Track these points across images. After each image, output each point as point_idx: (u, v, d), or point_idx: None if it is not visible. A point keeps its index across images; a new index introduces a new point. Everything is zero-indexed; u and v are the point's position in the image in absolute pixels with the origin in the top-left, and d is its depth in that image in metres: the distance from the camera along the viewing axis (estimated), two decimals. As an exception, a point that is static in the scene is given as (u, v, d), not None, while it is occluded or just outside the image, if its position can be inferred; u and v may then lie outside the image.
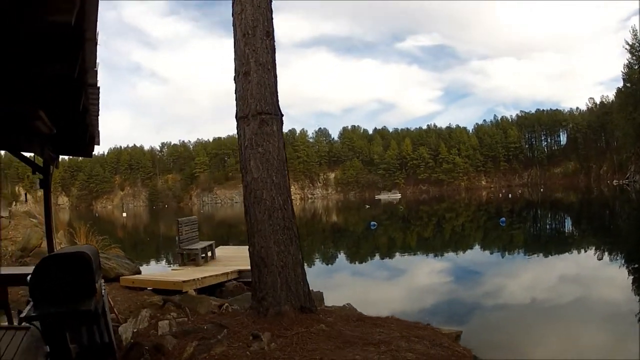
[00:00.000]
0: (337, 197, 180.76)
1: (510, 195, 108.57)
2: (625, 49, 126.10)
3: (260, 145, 9.67)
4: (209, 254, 19.83)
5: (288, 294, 9.32)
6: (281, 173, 9.83)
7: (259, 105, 9.58)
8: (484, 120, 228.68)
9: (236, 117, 10.06)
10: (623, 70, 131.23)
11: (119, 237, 32.66)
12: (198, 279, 13.93)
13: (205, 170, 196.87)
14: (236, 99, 10.08)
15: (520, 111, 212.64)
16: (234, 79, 9.97)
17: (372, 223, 49.72)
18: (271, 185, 9.62)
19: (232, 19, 10.06)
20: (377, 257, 30.20)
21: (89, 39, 3.92)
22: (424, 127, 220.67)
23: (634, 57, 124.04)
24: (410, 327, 9.10)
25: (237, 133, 10.09)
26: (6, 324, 11.05)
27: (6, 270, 11.17)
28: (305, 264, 10.15)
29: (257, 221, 9.57)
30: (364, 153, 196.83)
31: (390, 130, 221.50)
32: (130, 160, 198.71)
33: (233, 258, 19.95)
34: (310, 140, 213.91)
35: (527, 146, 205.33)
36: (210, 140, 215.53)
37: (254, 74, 9.61)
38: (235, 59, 10.11)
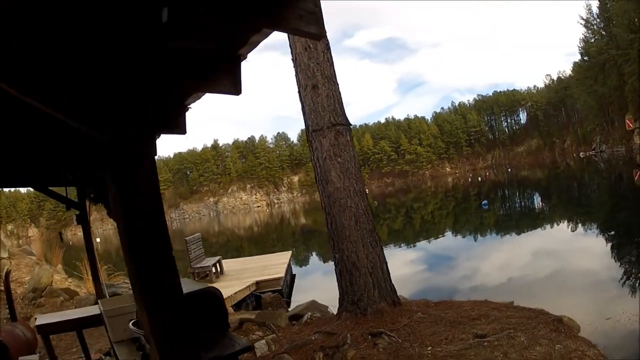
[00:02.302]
0: (303, 199, 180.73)
1: (480, 179, 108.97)
2: (580, 23, 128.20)
3: (339, 155, 10.28)
4: (218, 269, 20.00)
5: (380, 292, 9.96)
6: (360, 180, 10.51)
7: (332, 117, 10.20)
8: (442, 107, 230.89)
9: (307, 130, 10.56)
10: (579, 45, 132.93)
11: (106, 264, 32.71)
12: (231, 295, 14.08)
13: (170, 187, 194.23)
14: (305, 112, 10.54)
15: (478, 95, 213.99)
16: (299, 93, 10.48)
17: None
18: (354, 192, 10.21)
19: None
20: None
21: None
22: (382, 120, 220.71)
23: (589, 31, 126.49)
24: (486, 304, 9.99)
25: (311, 146, 10.57)
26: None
27: (47, 319, 10.99)
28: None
29: (345, 228, 10.12)
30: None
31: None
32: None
33: (241, 271, 20.52)
34: (271, 145, 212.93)
35: (487, 129, 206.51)
36: (172, 156, 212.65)
37: (322, 87, 10.13)
38: (298, 73, 10.52)
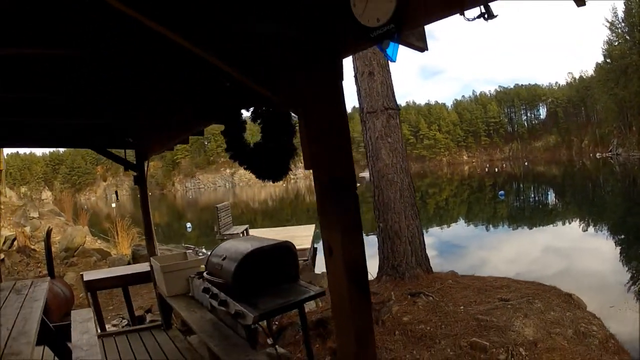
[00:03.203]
0: None
1: (497, 170, 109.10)
2: (605, 25, 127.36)
3: (389, 136, 11.46)
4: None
5: (417, 259, 11.14)
6: (405, 159, 11.68)
7: (385, 102, 11.41)
8: (462, 96, 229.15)
9: (362, 111, 11.77)
10: (603, 47, 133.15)
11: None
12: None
13: (187, 156, 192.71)
14: (361, 96, 11.71)
15: (499, 86, 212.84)
16: (356, 78, 11.68)
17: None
18: (400, 169, 11.38)
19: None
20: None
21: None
22: (403, 104, 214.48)
23: (613, 34, 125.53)
24: (506, 279, 11.19)
25: (364, 125, 11.77)
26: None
27: (95, 275, 11.63)
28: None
29: (390, 200, 11.28)
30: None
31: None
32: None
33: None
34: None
35: (507, 121, 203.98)
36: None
37: (377, 74, 11.35)
38: (355, 59, 11.66)
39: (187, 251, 11.76)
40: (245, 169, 4.17)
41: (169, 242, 28.59)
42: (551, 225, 29.50)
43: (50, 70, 5.36)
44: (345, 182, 3.17)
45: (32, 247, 20.66)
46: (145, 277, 11.17)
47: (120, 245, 23.78)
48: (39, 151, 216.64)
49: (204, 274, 6.99)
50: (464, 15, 2.50)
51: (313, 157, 3.31)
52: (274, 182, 4.25)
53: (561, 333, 7.74)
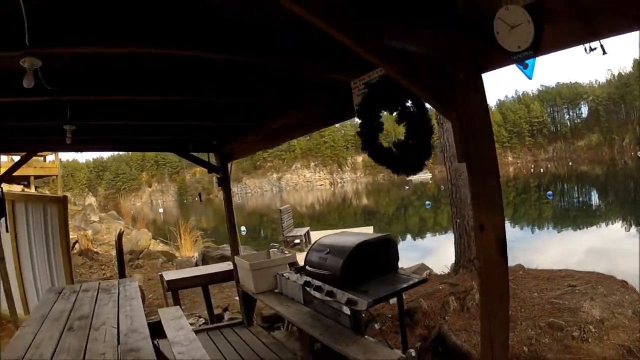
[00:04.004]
0: (366, 179, 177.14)
1: (542, 170, 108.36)
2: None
3: None
4: (305, 239, 20.90)
5: None
6: None
7: None
8: (505, 96, 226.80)
9: (438, 113, 11.73)
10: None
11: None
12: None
13: (232, 162, 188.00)
14: None
15: (541, 85, 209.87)
16: None
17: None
18: None
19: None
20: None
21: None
22: None
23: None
24: (567, 270, 11.66)
25: (441, 127, 12.39)
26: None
27: (176, 275, 12.11)
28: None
29: (466, 197, 11.89)
30: (391, 134, 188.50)
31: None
32: (156, 157, 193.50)
33: None
34: (337, 125, 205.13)
35: (550, 120, 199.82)
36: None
37: None
38: None
39: (272, 250, 12.18)
40: (380, 164, 4.53)
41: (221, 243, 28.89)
42: (594, 226, 29.54)
43: (148, 71, 5.75)
44: (492, 171, 3.67)
45: (94, 250, 21.07)
46: (225, 277, 11.66)
47: (184, 248, 24.38)
48: (82, 158, 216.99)
49: (306, 267, 7.51)
50: (584, 47, 3.09)
51: (466, 151, 3.75)
52: (408, 175, 4.61)
53: (622, 313, 8.68)
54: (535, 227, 31.39)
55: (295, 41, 4.69)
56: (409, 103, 4.34)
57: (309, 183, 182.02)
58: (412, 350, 6.47)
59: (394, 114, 4.45)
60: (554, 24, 3.11)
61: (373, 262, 6.88)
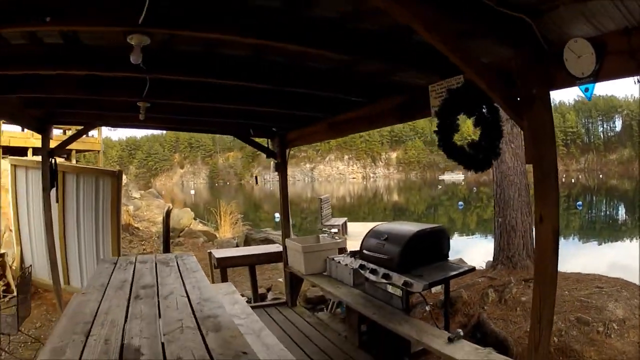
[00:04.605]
0: (399, 176, 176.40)
1: (573, 181, 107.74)
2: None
3: (512, 142, 12.59)
4: (342, 229, 21.15)
5: (527, 252, 12.20)
6: (524, 163, 12.35)
7: None
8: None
9: None
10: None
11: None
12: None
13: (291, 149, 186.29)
14: None
15: (577, 95, 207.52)
16: None
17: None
18: (520, 172, 12.43)
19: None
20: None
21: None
22: None
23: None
24: (592, 274, 12.13)
25: None
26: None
27: (226, 253, 12.60)
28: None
29: (510, 198, 12.45)
30: (426, 133, 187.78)
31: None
32: (190, 139, 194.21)
33: (362, 233, 20.82)
34: None
35: (584, 131, 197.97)
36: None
37: None
38: None
39: (322, 235, 12.54)
40: (453, 160, 4.96)
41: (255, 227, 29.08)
42: (619, 241, 29.48)
43: (227, 57, 6.14)
44: (553, 172, 4.24)
45: (135, 225, 21.34)
46: (273, 258, 12.06)
47: (223, 229, 24.79)
48: (115, 135, 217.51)
49: (363, 251, 8.17)
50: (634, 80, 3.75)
51: (534, 155, 4.31)
52: (476, 172, 5.07)
53: (643, 314, 9.25)
54: (561, 236, 31.18)
55: (386, 46, 5.17)
56: (484, 110, 4.79)
57: (341, 175, 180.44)
58: (459, 330, 6.80)
59: (472, 118, 4.90)
60: (611, 58, 3.76)
61: (427, 250, 7.59)
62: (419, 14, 3.61)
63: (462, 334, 6.41)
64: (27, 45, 5.60)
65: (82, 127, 11.02)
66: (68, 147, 21.25)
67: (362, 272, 8.05)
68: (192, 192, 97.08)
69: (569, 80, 4.03)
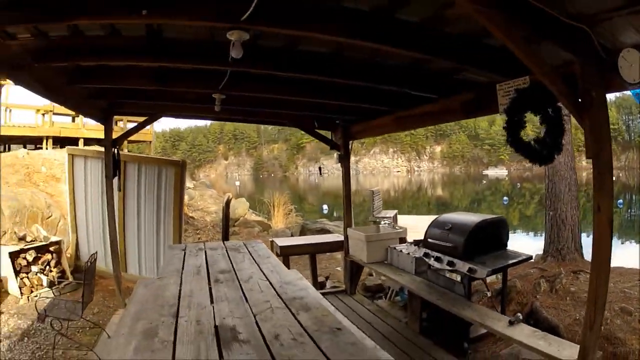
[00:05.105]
0: (443, 170, 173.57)
1: (614, 178, 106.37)
2: None
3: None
4: (394, 221, 21.27)
5: (575, 245, 12.43)
6: (573, 159, 12.87)
7: None
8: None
9: None
10: None
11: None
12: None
13: (312, 141, 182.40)
14: None
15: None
16: None
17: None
18: (569, 167, 12.60)
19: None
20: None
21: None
22: None
23: None
24: (635, 268, 12.09)
25: None
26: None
27: (288, 242, 12.73)
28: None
29: (560, 192, 12.61)
30: (470, 128, 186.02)
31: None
32: (235, 131, 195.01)
33: (412, 226, 20.58)
34: None
35: (624, 128, 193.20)
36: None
37: None
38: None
39: (382, 224, 12.79)
40: (520, 154, 5.31)
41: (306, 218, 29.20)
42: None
43: (305, 53, 6.41)
44: (609, 167, 4.68)
45: (190, 214, 21.52)
46: (333, 247, 12.28)
47: (276, 219, 25.06)
48: (158, 127, 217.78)
49: (427, 240, 8.45)
50: None
51: (594, 151, 4.63)
52: (540, 165, 5.51)
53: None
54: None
55: (458, 47, 5.53)
56: (549, 109, 5.14)
57: (386, 169, 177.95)
58: (519, 314, 7.20)
59: (538, 116, 5.25)
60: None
61: (488, 239, 7.95)
62: (496, 21, 3.94)
63: (521, 317, 6.79)
64: (104, 37, 5.82)
65: (146, 118, 11.19)
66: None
67: (426, 259, 8.41)
68: (237, 183, 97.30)
69: (623, 85, 4.43)
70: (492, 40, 5.31)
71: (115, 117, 11.98)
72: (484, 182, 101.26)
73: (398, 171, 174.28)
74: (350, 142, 11.61)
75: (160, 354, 3.79)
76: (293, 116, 10.81)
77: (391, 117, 9.29)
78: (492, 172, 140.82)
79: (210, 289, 5.74)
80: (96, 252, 9.25)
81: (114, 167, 10.36)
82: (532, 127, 6.68)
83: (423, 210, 50.64)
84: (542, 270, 11.63)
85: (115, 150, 10.40)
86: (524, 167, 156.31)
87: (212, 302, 5.20)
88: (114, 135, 10.54)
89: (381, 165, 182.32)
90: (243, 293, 5.52)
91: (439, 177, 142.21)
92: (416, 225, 21.31)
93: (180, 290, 5.69)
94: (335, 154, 11.77)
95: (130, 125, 23.12)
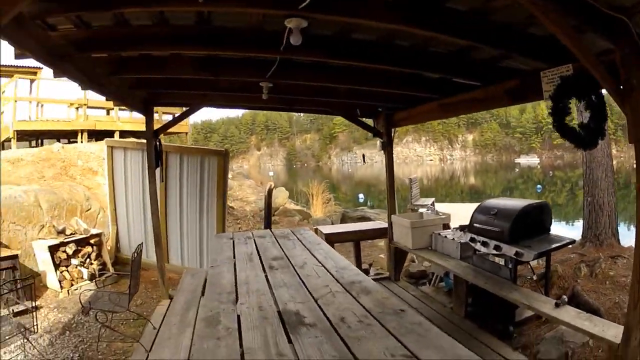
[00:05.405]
0: (475, 159, 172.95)
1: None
2: None
3: None
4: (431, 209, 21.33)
5: (612, 231, 12.43)
6: (609, 146, 12.92)
7: None
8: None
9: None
10: None
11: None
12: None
13: (345, 130, 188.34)
14: None
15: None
16: None
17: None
18: (605, 154, 12.64)
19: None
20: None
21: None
22: None
23: None
24: None
25: (581, 115, 12.47)
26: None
27: (332, 229, 12.83)
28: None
29: (597, 179, 12.63)
30: (501, 116, 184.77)
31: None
32: (267, 121, 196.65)
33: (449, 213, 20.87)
34: None
35: None
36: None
37: None
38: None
39: (425, 211, 12.85)
40: (565, 139, 5.47)
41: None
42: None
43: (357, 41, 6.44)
44: None
45: (230, 204, 21.57)
46: (377, 234, 12.36)
47: (315, 208, 25.29)
48: (190, 119, 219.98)
49: (473, 225, 8.61)
50: None
51: (636, 135, 4.68)
52: (584, 150, 5.69)
53: None
54: (631, 225, 30.56)
55: (505, 36, 5.62)
56: (593, 95, 5.25)
57: (419, 157, 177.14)
58: (564, 296, 7.36)
59: (582, 102, 5.38)
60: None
61: (533, 223, 8.08)
62: (545, 10, 4.06)
63: (566, 300, 6.98)
64: (149, 26, 5.86)
65: (186, 108, 11.23)
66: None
67: (472, 244, 8.58)
68: (271, 173, 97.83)
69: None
70: (536, 29, 5.42)
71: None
72: (517, 170, 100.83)
73: (431, 160, 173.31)
74: (393, 129, 11.64)
75: (226, 340, 3.83)
76: (336, 104, 10.80)
77: (435, 104, 9.32)
78: (524, 160, 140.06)
79: (265, 275, 5.80)
80: (142, 243, 9.24)
81: (156, 157, 10.41)
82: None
83: (457, 198, 50.73)
84: (581, 255, 11.71)
85: (157, 141, 10.43)
86: (555, 155, 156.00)
87: (270, 288, 5.25)
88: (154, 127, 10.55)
89: (414, 154, 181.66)
90: (300, 279, 5.60)
91: (471, 165, 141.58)
92: (453, 213, 21.38)
93: (235, 277, 5.75)
94: (378, 142, 11.78)
95: (165, 118, 23.37)
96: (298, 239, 8.36)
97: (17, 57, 5.53)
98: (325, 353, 3.57)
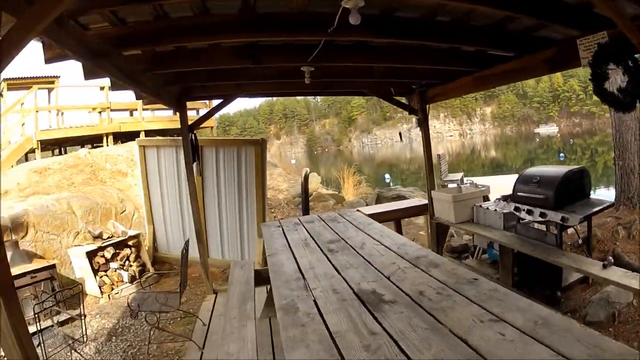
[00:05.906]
0: (494, 131, 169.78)
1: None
2: None
3: None
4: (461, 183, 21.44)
5: None
6: (636, 110, 11.88)
7: None
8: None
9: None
10: None
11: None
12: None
13: (363, 112, 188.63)
14: None
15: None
16: None
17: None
18: (634, 117, 12.51)
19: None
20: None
21: None
22: None
23: None
24: None
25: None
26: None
27: (373, 210, 12.76)
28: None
29: (627, 142, 12.60)
30: (517, 87, 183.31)
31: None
32: (285, 110, 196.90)
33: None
34: None
35: None
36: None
37: None
38: None
39: (464, 185, 12.97)
40: (605, 104, 5.70)
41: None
42: None
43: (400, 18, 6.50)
44: None
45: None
46: (418, 211, 12.50)
47: (346, 191, 25.54)
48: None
49: (517, 194, 8.91)
50: None
51: None
52: (624, 112, 5.92)
53: None
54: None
55: (541, 4, 5.78)
56: (629, 60, 5.30)
57: (438, 134, 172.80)
58: (611, 258, 7.57)
59: (620, 67, 5.40)
60: None
61: (575, 189, 8.41)
62: None
63: (612, 261, 7.17)
64: (190, 17, 5.92)
65: (221, 100, 11.21)
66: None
67: (516, 213, 8.85)
68: (293, 161, 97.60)
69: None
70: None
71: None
72: (537, 140, 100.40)
73: (451, 135, 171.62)
74: (428, 106, 11.77)
75: (311, 326, 3.91)
76: (371, 84, 10.86)
77: (470, 78, 9.37)
78: (543, 130, 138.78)
79: (328, 259, 5.87)
80: (188, 240, 9.25)
81: (193, 152, 10.47)
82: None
83: (479, 172, 50.50)
84: (616, 218, 11.80)
85: (193, 135, 10.49)
86: (573, 123, 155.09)
87: (337, 270, 5.33)
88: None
89: (433, 131, 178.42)
90: (365, 259, 5.69)
91: (491, 138, 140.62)
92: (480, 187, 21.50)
93: (297, 263, 5.83)
94: (414, 119, 11.96)
95: (190, 114, 23.43)
96: (348, 220, 8.51)
97: (47, 61, 5.61)
98: (416, 327, 3.67)
